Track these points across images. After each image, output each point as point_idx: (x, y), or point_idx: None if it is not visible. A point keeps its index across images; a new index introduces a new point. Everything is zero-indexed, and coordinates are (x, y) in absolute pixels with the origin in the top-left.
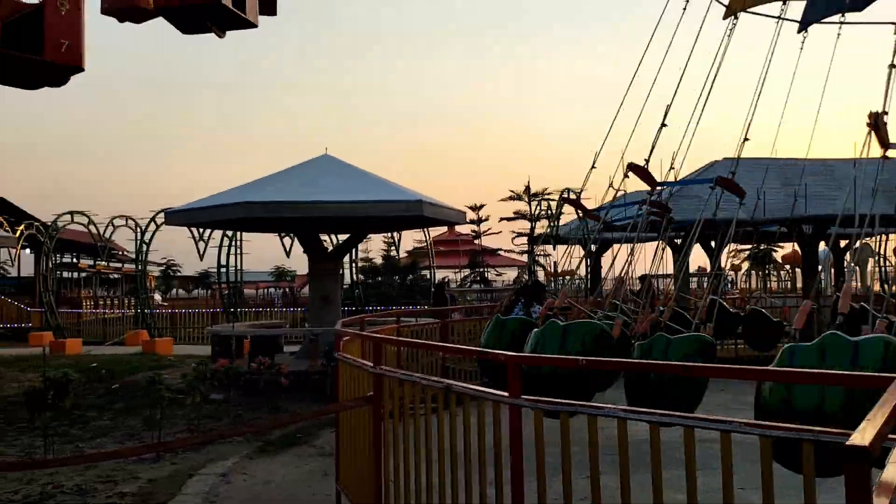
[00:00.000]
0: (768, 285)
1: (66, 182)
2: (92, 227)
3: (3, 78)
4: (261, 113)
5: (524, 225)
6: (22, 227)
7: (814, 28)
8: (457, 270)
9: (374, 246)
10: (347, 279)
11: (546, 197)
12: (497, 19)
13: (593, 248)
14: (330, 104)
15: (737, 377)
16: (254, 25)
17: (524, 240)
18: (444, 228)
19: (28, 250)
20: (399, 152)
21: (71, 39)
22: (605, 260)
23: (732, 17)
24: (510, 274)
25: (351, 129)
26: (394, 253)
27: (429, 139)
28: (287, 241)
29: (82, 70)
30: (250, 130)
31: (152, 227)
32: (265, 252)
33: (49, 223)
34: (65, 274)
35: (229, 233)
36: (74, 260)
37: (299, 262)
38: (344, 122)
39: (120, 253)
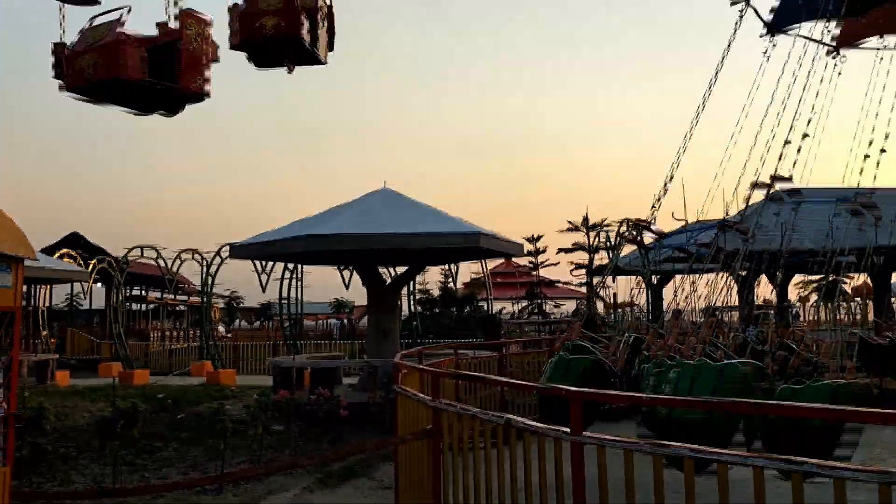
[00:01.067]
0: (837, 317)
1: (136, 217)
2: (160, 261)
3: (131, 102)
4: (321, 146)
5: (583, 256)
6: (94, 261)
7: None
8: (514, 302)
9: (431, 277)
10: (405, 311)
11: (605, 228)
12: (554, 50)
13: (654, 279)
14: (388, 137)
15: None
16: (323, 63)
17: (583, 271)
18: (502, 260)
19: (100, 283)
20: (456, 184)
21: (200, 71)
22: (667, 291)
23: (835, 53)
24: (569, 305)
25: (409, 162)
26: (451, 284)
27: (486, 171)
28: (346, 273)
29: (205, 98)
30: (311, 164)
31: (217, 260)
32: (325, 284)
33: (120, 257)
34: (133, 306)
35: (290, 265)
36: (143, 292)
37: (358, 293)
38: (402, 155)
39: (186, 286)
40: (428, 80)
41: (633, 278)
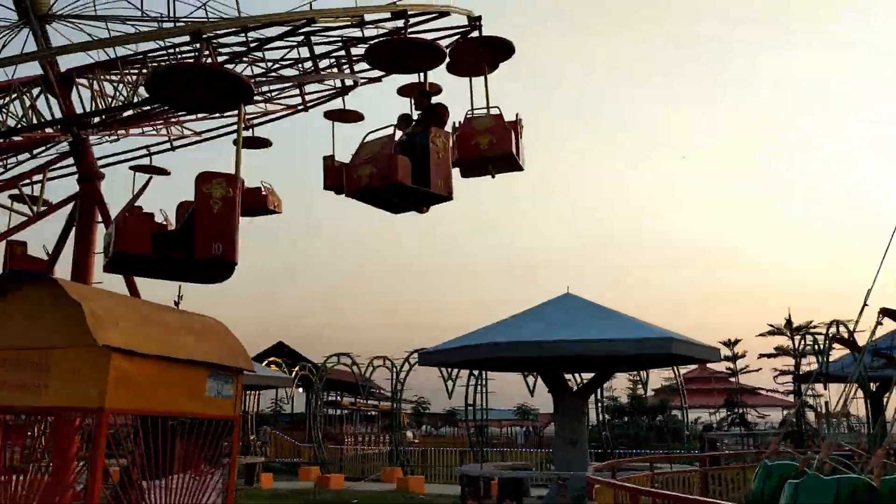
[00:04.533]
0: None
1: (332, 325)
2: (354, 368)
3: (393, 205)
4: (497, 249)
5: (787, 362)
6: (297, 368)
7: None
8: (712, 411)
9: (618, 384)
10: (592, 419)
11: (811, 331)
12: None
13: (873, 386)
14: (571, 239)
15: None
16: (521, 169)
17: (789, 378)
18: (695, 365)
19: (301, 389)
20: (645, 287)
21: (445, 177)
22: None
23: None
24: (774, 415)
25: (594, 267)
26: (641, 391)
27: (676, 273)
28: (531, 379)
29: (451, 199)
30: (485, 266)
31: (406, 366)
32: (509, 390)
33: (319, 364)
34: (330, 411)
35: (475, 372)
36: (338, 397)
37: (543, 400)
38: (587, 259)
39: (377, 391)
40: (608, 183)
41: (848, 385)
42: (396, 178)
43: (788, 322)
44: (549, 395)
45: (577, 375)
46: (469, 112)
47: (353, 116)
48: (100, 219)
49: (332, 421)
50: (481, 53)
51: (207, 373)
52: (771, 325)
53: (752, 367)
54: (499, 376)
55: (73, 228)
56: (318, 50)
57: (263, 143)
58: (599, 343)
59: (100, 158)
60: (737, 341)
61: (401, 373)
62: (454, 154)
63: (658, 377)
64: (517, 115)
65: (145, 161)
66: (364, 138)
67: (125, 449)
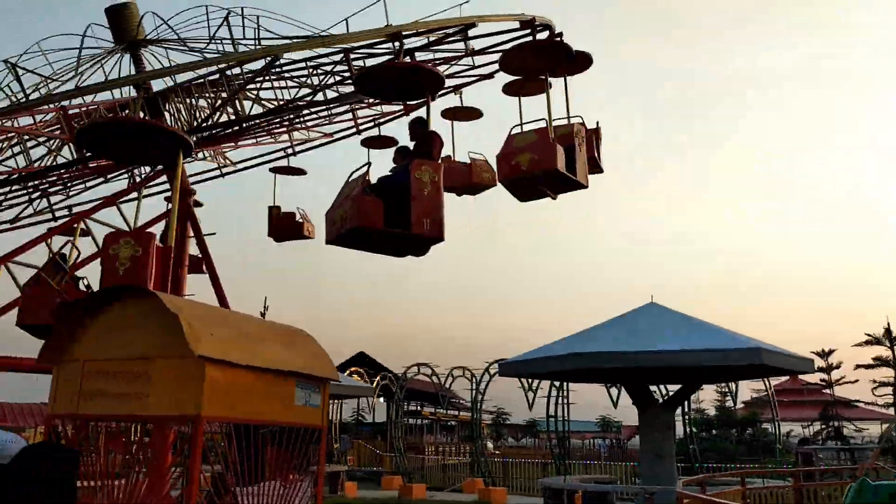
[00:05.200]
0: None
1: (412, 335)
2: (434, 378)
3: (379, 249)
4: (586, 260)
5: (886, 373)
6: (378, 377)
7: None
8: (805, 424)
9: (706, 396)
10: (679, 432)
11: None
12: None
13: None
14: (654, 250)
15: None
16: (584, 186)
17: (888, 390)
18: (787, 377)
19: (382, 399)
20: (732, 296)
21: (433, 217)
22: None
23: None
24: (873, 429)
25: (676, 274)
26: (729, 404)
27: (766, 280)
28: (614, 390)
29: (442, 241)
30: (574, 281)
31: (486, 377)
32: (591, 402)
33: (399, 374)
34: (410, 420)
35: (556, 383)
36: (418, 407)
37: (626, 412)
38: (669, 267)
39: (457, 401)
40: (696, 195)
41: None
42: (362, 221)
43: (887, 331)
44: (632, 407)
45: (662, 387)
46: (515, 128)
47: (389, 142)
48: (191, 233)
49: (413, 430)
50: (544, 59)
51: (295, 382)
52: (868, 335)
53: (849, 379)
54: (580, 387)
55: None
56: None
57: (391, 143)
58: (685, 354)
59: (240, 162)
60: (831, 351)
61: (481, 383)
62: (498, 176)
63: (748, 389)
64: (597, 123)
65: (282, 162)
66: (349, 177)
67: (217, 455)
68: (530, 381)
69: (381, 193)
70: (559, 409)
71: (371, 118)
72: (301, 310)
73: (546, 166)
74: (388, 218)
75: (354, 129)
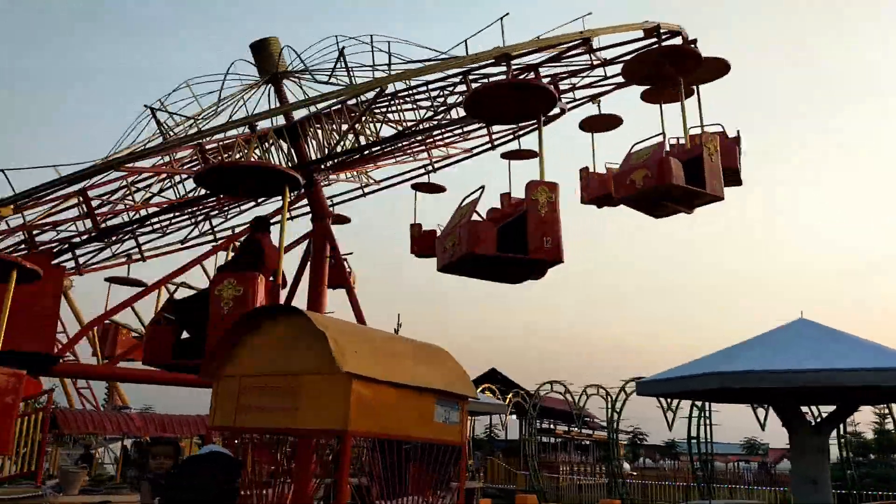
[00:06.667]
0: None
1: (544, 352)
2: (568, 396)
3: (494, 276)
4: (719, 271)
5: None
6: (511, 394)
7: None
8: None
9: (862, 418)
10: (834, 456)
11: None
12: None
13: None
14: (802, 262)
15: None
16: (719, 198)
17: None
18: None
19: (514, 416)
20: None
21: (551, 237)
22: None
23: None
24: None
25: (829, 291)
26: (889, 426)
27: None
28: (761, 411)
29: (561, 262)
30: (706, 290)
31: (622, 396)
32: (735, 423)
33: (532, 392)
34: (543, 438)
35: (698, 403)
36: (551, 426)
37: (774, 434)
38: (821, 283)
39: (591, 420)
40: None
41: None
42: (474, 248)
43: None
44: (780, 429)
45: (814, 408)
46: (636, 144)
47: (529, 155)
48: (329, 253)
49: (546, 449)
50: (672, 67)
51: (435, 399)
52: None
53: None
54: (724, 407)
55: (308, 262)
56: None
57: (530, 155)
58: (839, 373)
59: (383, 180)
60: None
61: (616, 402)
62: (615, 195)
63: None
64: (737, 131)
65: (422, 179)
66: (461, 203)
67: (357, 468)
68: (669, 400)
69: (496, 219)
70: (701, 430)
71: (510, 131)
72: (432, 325)
73: (659, 182)
74: (502, 244)
75: (490, 145)
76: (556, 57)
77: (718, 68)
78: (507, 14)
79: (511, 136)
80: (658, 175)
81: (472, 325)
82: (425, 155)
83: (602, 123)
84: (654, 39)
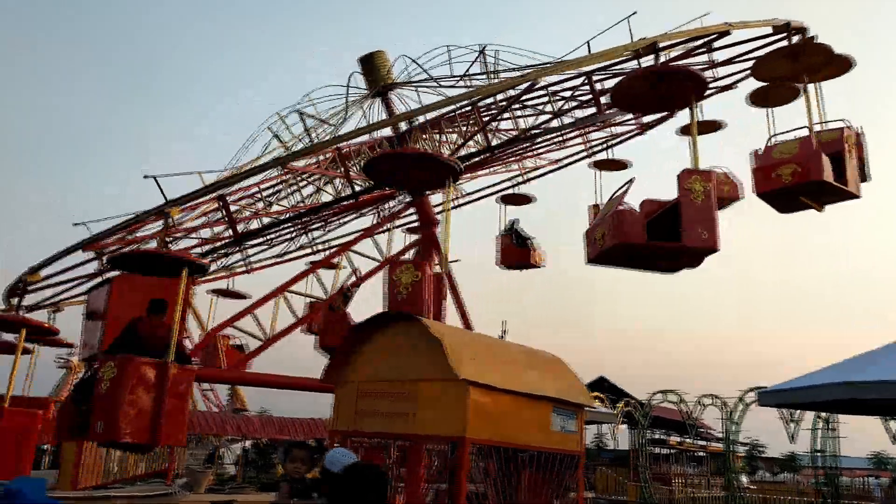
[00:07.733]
0: None
1: (656, 361)
2: (681, 405)
3: (646, 265)
4: (842, 278)
5: None
6: (621, 404)
7: None
8: None
9: None
10: None
11: None
12: None
13: None
14: None
15: None
16: (856, 196)
17: None
18: None
19: (625, 426)
20: None
21: (706, 226)
22: None
23: None
24: None
25: None
26: None
27: None
28: (892, 423)
29: (717, 251)
30: (828, 298)
31: (740, 406)
32: (863, 435)
33: (644, 401)
34: (655, 449)
35: (822, 414)
36: (663, 436)
37: None
38: None
39: (706, 431)
40: None
41: None
42: (623, 238)
43: None
44: None
45: None
46: (772, 138)
47: (619, 165)
48: (436, 260)
49: (658, 459)
50: (800, 64)
51: (551, 407)
52: None
53: None
54: (850, 419)
55: None
56: None
57: (621, 166)
58: None
59: (470, 193)
60: None
61: (734, 412)
62: (756, 189)
63: None
64: (860, 128)
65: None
66: (612, 195)
67: (473, 474)
68: (791, 411)
69: (645, 209)
70: (826, 442)
71: (603, 140)
72: (538, 333)
73: (812, 177)
74: (655, 234)
75: (585, 153)
76: (683, 55)
77: (841, 66)
78: (635, 13)
79: (602, 147)
80: (809, 171)
81: (579, 333)
82: (517, 166)
83: (702, 128)
84: (783, 36)
